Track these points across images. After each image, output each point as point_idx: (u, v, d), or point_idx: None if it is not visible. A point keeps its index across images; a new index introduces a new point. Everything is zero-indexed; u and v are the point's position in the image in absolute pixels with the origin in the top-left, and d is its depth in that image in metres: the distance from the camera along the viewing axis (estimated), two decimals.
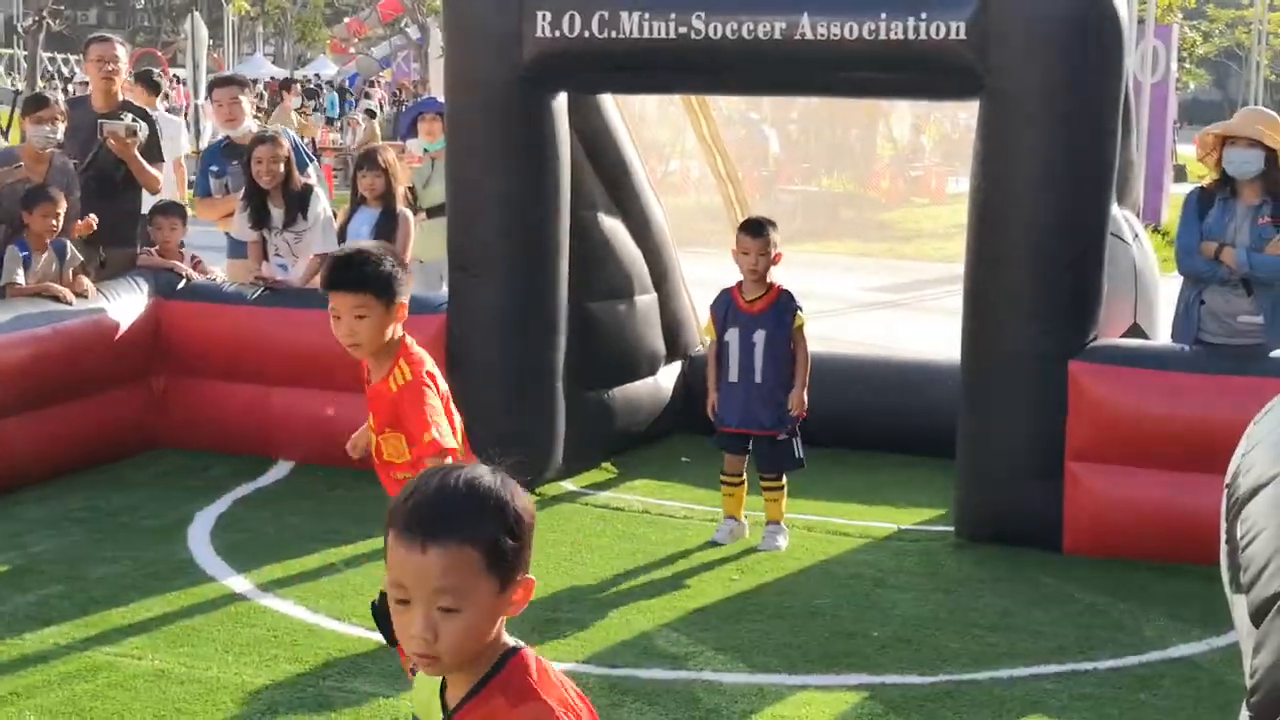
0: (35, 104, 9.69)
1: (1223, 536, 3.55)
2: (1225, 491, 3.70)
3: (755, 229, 7.80)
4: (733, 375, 7.77)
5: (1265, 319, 7.71)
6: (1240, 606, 3.22)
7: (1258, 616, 3.05)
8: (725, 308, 7.85)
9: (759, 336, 7.71)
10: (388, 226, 9.47)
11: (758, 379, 7.70)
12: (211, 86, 11.89)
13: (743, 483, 7.89)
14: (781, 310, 7.74)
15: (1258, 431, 3.79)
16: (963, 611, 6.89)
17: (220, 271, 9.94)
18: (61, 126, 9.06)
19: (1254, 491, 3.42)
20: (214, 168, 10.23)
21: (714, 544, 7.80)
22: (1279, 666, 2.86)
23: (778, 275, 7.89)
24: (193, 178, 11.84)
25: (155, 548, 7.50)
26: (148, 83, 13.03)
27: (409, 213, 9.77)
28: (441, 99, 10.05)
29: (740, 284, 7.85)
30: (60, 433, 8.56)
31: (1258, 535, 3.24)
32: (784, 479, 7.85)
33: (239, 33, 63.38)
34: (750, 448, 7.82)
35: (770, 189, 22.05)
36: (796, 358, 7.74)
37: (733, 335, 7.78)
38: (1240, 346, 7.70)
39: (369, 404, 5.04)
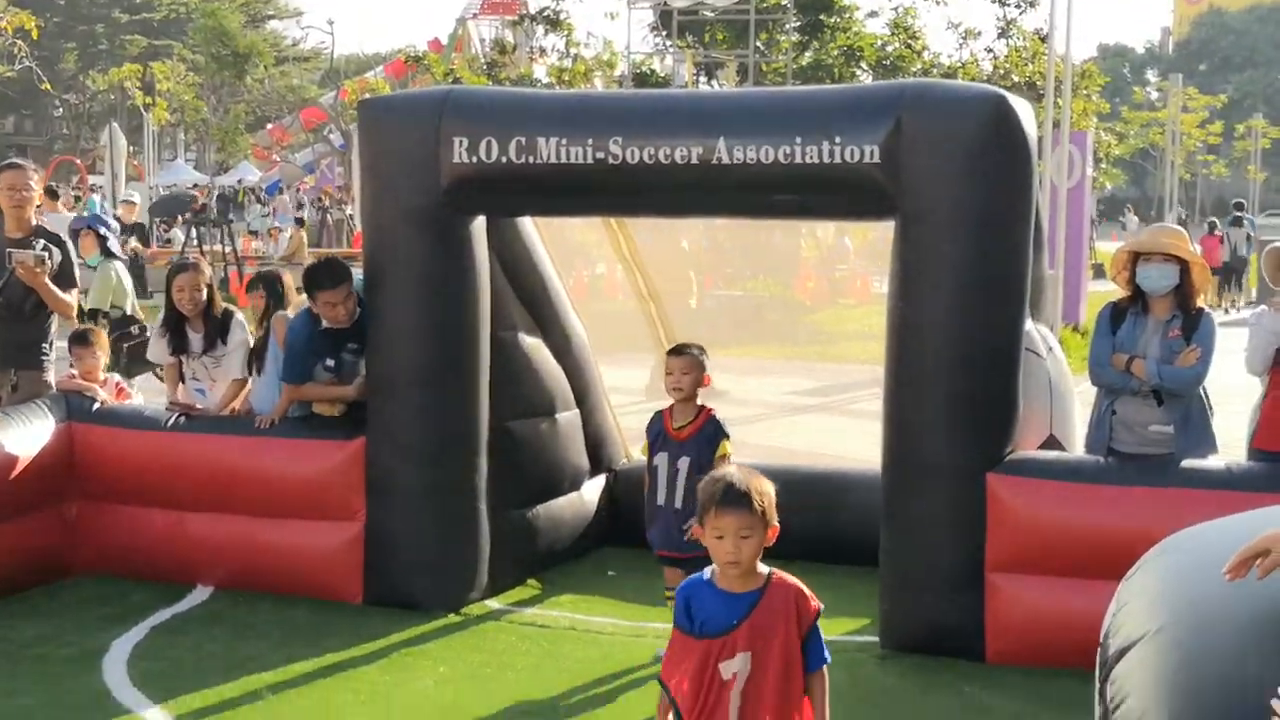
0: None
1: (1095, 698, 3.59)
2: (1098, 651, 3.74)
3: (677, 348, 7.85)
4: (660, 498, 7.78)
5: (1175, 429, 7.83)
6: None
7: None
8: (657, 430, 7.86)
9: (683, 463, 7.72)
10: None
11: (678, 505, 7.68)
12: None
13: None
14: (707, 438, 7.73)
15: (1126, 591, 3.83)
16: None
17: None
18: None
19: (1121, 654, 3.46)
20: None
21: (658, 659, 7.76)
22: None
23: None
24: None
25: (71, 679, 7.38)
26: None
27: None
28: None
29: (672, 407, 7.88)
30: None
31: (1125, 699, 3.28)
32: None
33: (159, 140, 63.31)
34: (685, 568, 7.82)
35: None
36: None
37: (661, 459, 7.78)
38: (1151, 456, 7.82)
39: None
